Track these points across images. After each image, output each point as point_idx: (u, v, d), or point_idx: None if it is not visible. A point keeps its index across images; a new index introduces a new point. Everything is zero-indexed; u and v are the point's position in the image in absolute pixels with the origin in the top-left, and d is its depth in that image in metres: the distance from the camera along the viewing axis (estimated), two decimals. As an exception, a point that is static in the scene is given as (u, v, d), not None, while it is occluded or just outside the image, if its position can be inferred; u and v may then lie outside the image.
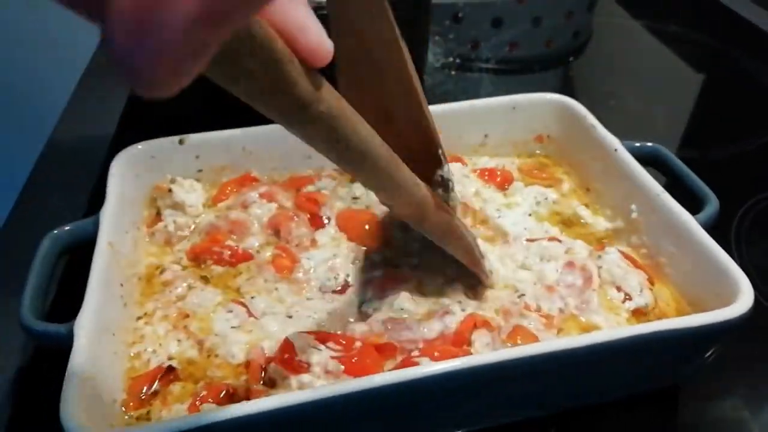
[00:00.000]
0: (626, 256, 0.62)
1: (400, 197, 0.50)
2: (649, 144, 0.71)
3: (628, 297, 0.59)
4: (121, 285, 0.58)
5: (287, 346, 0.53)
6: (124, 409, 0.51)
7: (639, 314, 0.58)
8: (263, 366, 0.53)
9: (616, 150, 0.68)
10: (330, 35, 0.55)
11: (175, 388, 0.52)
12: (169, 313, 0.59)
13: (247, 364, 0.54)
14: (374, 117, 0.58)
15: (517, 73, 1.15)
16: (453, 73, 1.10)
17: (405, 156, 0.59)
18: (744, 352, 0.60)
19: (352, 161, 0.44)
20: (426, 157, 0.60)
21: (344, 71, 0.57)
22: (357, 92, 0.57)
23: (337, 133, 0.39)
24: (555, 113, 0.76)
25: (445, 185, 0.61)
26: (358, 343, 0.54)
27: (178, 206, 0.68)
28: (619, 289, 0.59)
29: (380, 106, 0.58)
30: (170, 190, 0.68)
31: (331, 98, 0.38)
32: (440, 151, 0.60)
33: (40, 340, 0.54)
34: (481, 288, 0.61)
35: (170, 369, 0.53)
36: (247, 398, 0.50)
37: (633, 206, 0.65)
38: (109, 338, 0.53)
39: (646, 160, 0.69)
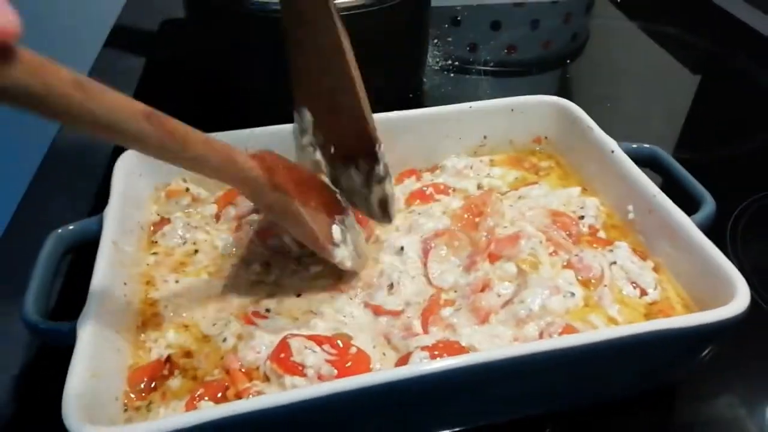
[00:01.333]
0: (635, 250, 0.63)
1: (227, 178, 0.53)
2: (647, 145, 0.71)
3: (644, 292, 0.59)
4: (125, 284, 0.59)
5: (284, 345, 0.54)
6: (124, 403, 0.51)
7: (654, 309, 0.58)
8: (241, 369, 0.54)
9: (613, 151, 0.69)
10: (283, 26, 0.58)
11: (174, 383, 0.53)
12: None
13: (227, 371, 0.54)
14: (322, 106, 0.61)
15: (515, 75, 1.16)
16: (451, 75, 1.11)
17: (346, 148, 0.63)
18: (740, 349, 0.60)
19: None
20: (366, 152, 0.63)
21: (296, 62, 0.59)
22: (306, 82, 0.60)
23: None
24: (553, 115, 0.77)
25: (379, 179, 0.63)
26: (353, 349, 0.55)
27: (196, 201, 0.70)
28: (634, 285, 0.60)
29: (326, 98, 0.61)
30: (188, 189, 0.69)
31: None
32: (376, 147, 0.62)
33: (42, 338, 0.55)
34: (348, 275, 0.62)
35: (167, 360, 0.54)
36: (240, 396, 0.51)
37: (630, 207, 0.66)
38: (112, 336, 0.54)
39: (644, 161, 0.69)
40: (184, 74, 1.03)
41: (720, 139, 0.95)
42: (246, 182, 0.53)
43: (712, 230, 0.61)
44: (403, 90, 1.01)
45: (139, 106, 0.44)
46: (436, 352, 0.53)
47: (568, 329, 0.55)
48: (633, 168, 0.66)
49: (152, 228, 0.68)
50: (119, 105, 0.42)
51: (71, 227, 0.61)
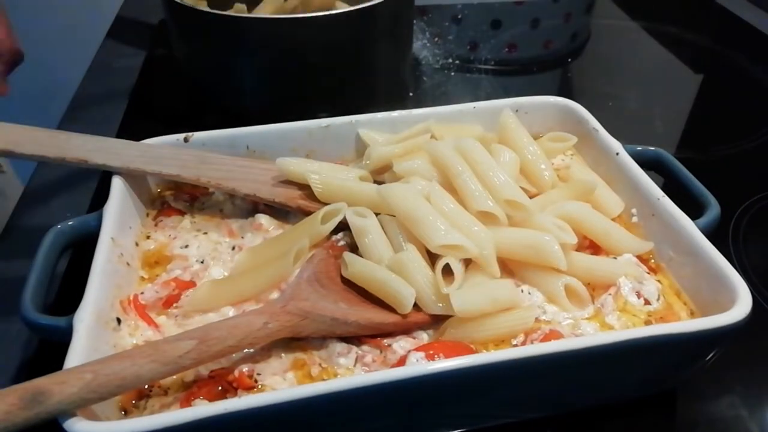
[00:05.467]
0: (641, 260, 0.62)
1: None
2: (652, 148, 0.71)
3: (647, 302, 0.58)
4: (123, 280, 0.58)
5: None
6: (119, 401, 0.51)
7: (656, 316, 0.58)
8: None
9: (617, 153, 0.68)
10: None
11: (167, 381, 0.52)
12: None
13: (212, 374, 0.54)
14: None
15: (515, 74, 1.15)
16: (452, 74, 1.11)
17: None
18: (742, 350, 0.60)
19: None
20: None
21: None
22: None
23: None
24: (558, 116, 0.77)
25: None
26: None
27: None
28: (638, 294, 0.59)
29: None
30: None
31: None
32: None
33: (40, 333, 0.54)
34: None
35: None
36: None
37: (633, 210, 0.65)
38: (109, 332, 0.54)
39: (648, 164, 0.69)
40: (182, 72, 1.02)
41: (722, 138, 0.95)
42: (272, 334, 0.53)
43: (714, 229, 0.61)
44: (389, 88, 1.00)
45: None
46: (431, 352, 0.53)
47: (554, 335, 0.54)
48: (637, 171, 0.66)
49: (154, 219, 0.68)
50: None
51: (70, 223, 0.61)
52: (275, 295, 0.59)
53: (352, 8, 0.85)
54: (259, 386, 0.52)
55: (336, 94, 0.90)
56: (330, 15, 0.83)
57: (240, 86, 0.91)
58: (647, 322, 0.57)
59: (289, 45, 0.84)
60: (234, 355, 0.53)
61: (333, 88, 0.90)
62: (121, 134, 0.89)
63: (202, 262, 0.63)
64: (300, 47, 0.85)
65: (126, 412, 0.51)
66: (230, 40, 0.86)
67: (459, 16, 1.30)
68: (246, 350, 0.53)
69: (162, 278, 0.61)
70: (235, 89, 0.91)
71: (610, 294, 0.59)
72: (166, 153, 0.68)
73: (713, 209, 0.62)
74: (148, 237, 0.66)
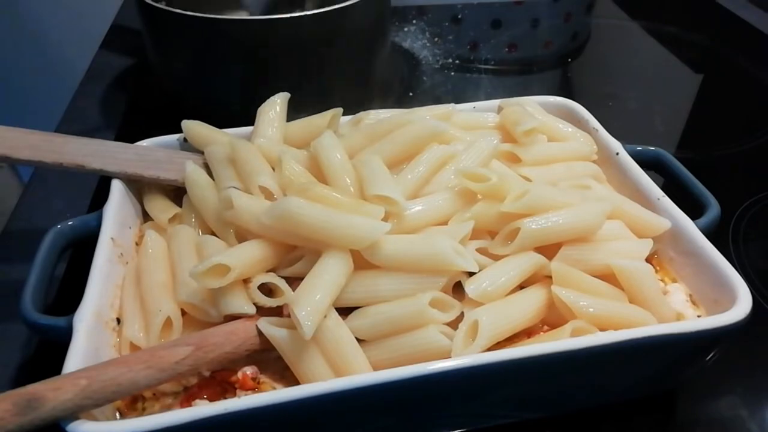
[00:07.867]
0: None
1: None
2: (652, 148, 0.70)
3: None
4: (123, 280, 0.58)
5: None
6: (117, 407, 0.51)
7: None
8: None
9: (617, 153, 0.68)
10: None
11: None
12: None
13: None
14: None
15: (515, 74, 1.15)
16: (452, 74, 1.11)
17: None
18: (742, 350, 0.60)
19: None
20: None
21: None
22: None
23: None
24: (558, 116, 0.76)
25: None
26: None
27: None
28: None
29: None
30: None
31: None
32: None
33: (39, 333, 0.54)
34: None
35: None
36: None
37: (633, 210, 0.65)
38: (109, 332, 0.54)
39: (648, 163, 0.69)
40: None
41: (722, 138, 0.95)
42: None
43: (714, 229, 0.61)
44: (382, 87, 0.99)
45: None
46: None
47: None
48: (637, 171, 0.66)
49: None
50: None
51: (70, 223, 0.61)
52: None
53: (328, 8, 0.82)
54: (260, 383, 0.52)
55: (327, 94, 0.89)
56: (304, 15, 0.81)
57: (224, 91, 0.89)
58: None
59: (270, 45, 0.83)
60: None
61: (323, 89, 0.88)
62: (120, 133, 0.89)
63: (201, 261, 0.63)
64: (279, 48, 0.83)
65: (122, 413, 0.51)
66: (206, 42, 0.84)
67: (459, 16, 1.30)
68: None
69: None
70: (222, 93, 0.90)
71: None
72: (163, 157, 0.68)
73: (713, 209, 0.62)
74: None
